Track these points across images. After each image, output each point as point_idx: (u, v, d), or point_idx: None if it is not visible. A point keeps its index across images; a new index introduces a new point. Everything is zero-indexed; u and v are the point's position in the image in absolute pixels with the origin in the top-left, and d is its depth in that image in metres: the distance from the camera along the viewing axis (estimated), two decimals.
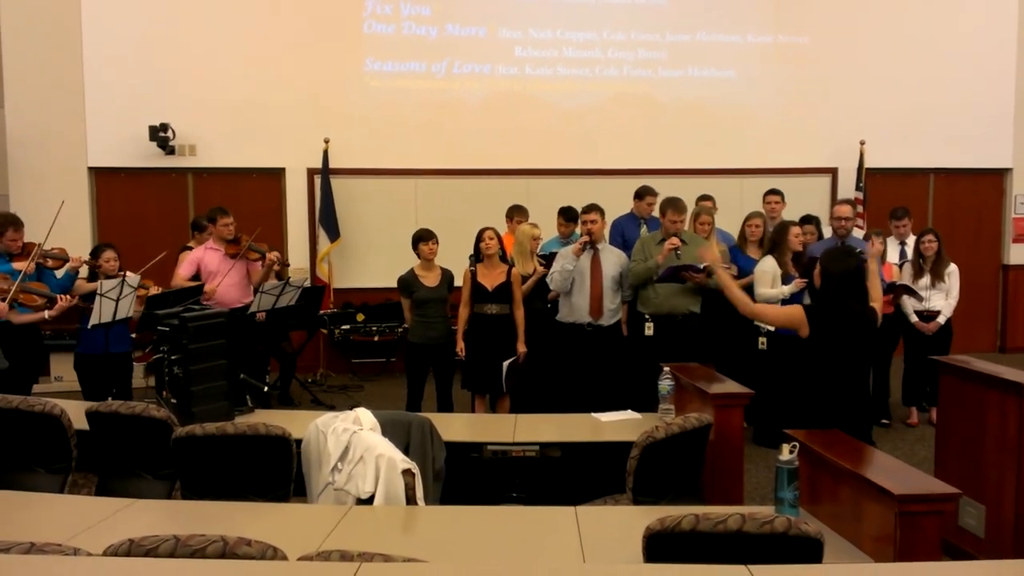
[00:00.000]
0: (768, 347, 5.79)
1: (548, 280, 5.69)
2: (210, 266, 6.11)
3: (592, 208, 5.67)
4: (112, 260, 5.59)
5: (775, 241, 5.90)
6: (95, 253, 5.67)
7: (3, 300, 4.83)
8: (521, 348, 5.57)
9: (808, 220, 6.37)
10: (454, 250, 6.29)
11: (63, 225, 5.81)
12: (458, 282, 5.88)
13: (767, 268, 5.74)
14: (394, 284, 5.85)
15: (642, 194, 6.62)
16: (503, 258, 5.78)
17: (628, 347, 5.70)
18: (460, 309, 5.67)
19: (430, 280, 5.68)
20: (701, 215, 6.08)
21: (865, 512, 2.64)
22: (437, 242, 5.72)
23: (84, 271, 5.74)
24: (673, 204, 5.63)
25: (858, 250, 4.58)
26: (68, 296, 5.18)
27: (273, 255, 6.33)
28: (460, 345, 5.55)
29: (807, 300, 5.68)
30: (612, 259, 5.69)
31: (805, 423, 3.51)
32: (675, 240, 5.47)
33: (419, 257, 5.72)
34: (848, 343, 3.84)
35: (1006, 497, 3.67)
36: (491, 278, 5.57)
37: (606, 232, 6.11)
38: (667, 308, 5.55)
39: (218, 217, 6.17)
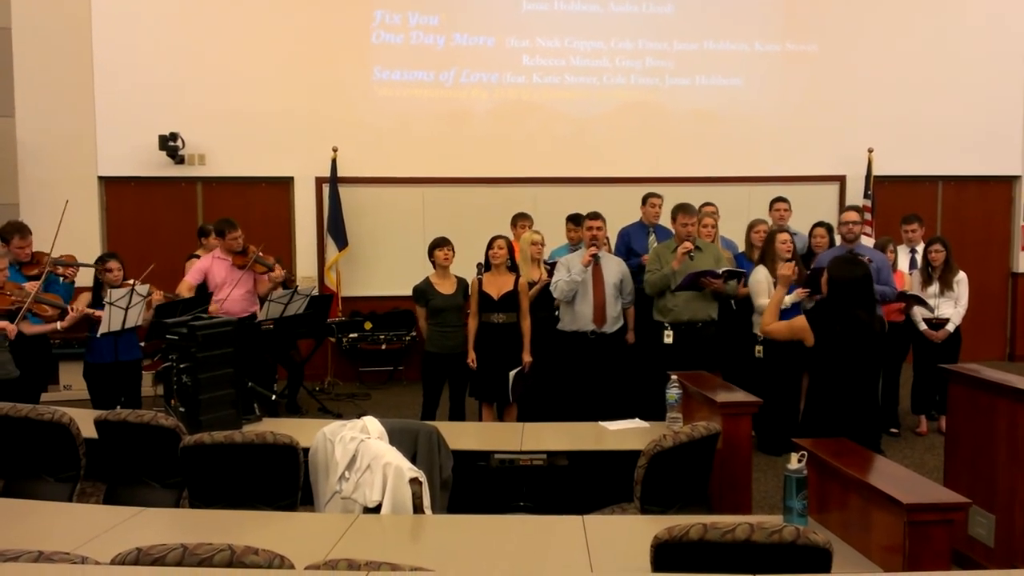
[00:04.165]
0: (764, 355, 5.77)
1: (552, 288, 5.68)
2: (217, 276, 6.14)
3: (597, 215, 5.70)
4: (116, 270, 5.60)
5: (764, 250, 5.91)
6: (99, 263, 5.68)
7: (17, 309, 4.86)
8: (527, 358, 5.57)
9: (820, 224, 6.35)
10: (461, 259, 6.28)
11: (73, 235, 5.85)
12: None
13: (760, 278, 5.74)
14: (402, 292, 5.88)
15: (646, 198, 6.64)
16: (512, 267, 5.78)
17: (647, 356, 5.71)
18: (469, 320, 5.67)
19: (446, 288, 5.70)
20: (704, 219, 6.08)
21: (874, 521, 2.62)
22: (453, 249, 5.76)
23: (90, 280, 5.75)
24: (684, 208, 5.67)
25: (865, 257, 4.56)
26: (80, 308, 5.20)
27: (279, 271, 6.36)
28: (471, 355, 5.56)
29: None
30: (613, 267, 5.71)
31: (813, 432, 3.51)
32: (687, 244, 5.48)
33: (434, 265, 5.75)
34: (854, 352, 3.82)
35: (1016, 506, 3.65)
36: (497, 286, 5.56)
37: (612, 239, 6.10)
38: (687, 315, 5.56)
39: (227, 231, 6.19)
